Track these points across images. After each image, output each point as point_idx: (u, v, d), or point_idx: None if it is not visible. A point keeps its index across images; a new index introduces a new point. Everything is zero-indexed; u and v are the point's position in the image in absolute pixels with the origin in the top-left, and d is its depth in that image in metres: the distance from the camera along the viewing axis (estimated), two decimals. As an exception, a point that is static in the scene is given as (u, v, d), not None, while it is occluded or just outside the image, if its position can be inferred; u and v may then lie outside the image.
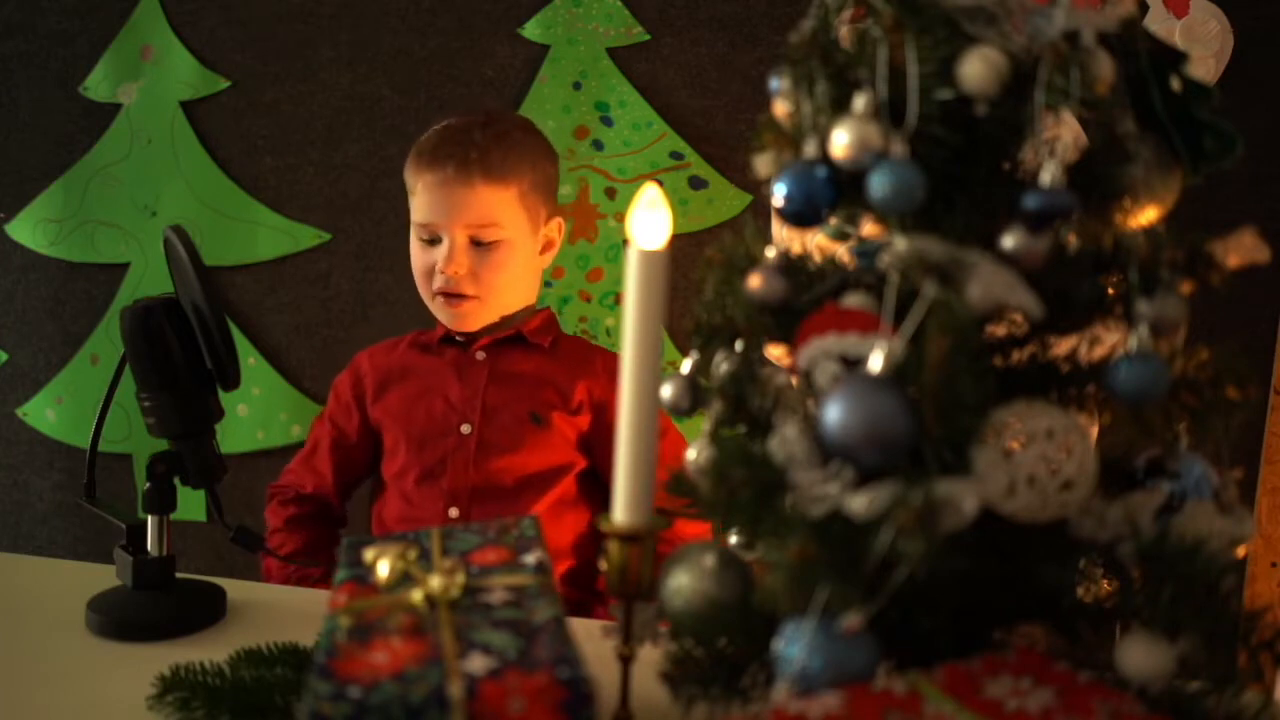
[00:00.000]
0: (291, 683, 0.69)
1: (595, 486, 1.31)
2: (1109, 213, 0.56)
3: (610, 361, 1.31)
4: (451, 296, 1.28)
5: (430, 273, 1.29)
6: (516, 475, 1.26)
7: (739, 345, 0.62)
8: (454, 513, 1.25)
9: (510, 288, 1.31)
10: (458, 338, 1.33)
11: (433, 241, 1.28)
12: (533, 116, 1.95)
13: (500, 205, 1.27)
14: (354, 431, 1.35)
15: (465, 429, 1.28)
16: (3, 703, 0.73)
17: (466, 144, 1.26)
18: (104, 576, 0.91)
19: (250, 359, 2.07)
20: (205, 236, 2.07)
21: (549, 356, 1.32)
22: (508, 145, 1.28)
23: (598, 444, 1.30)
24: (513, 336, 1.32)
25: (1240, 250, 0.54)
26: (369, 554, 0.62)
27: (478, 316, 1.30)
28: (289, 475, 1.38)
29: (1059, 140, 0.53)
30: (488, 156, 1.26)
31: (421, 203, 1.28)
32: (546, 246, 1.35)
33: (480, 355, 1.31)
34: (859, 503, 0.48)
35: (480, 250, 1.27)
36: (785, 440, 0.52)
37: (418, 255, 1.31)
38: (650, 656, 0.61)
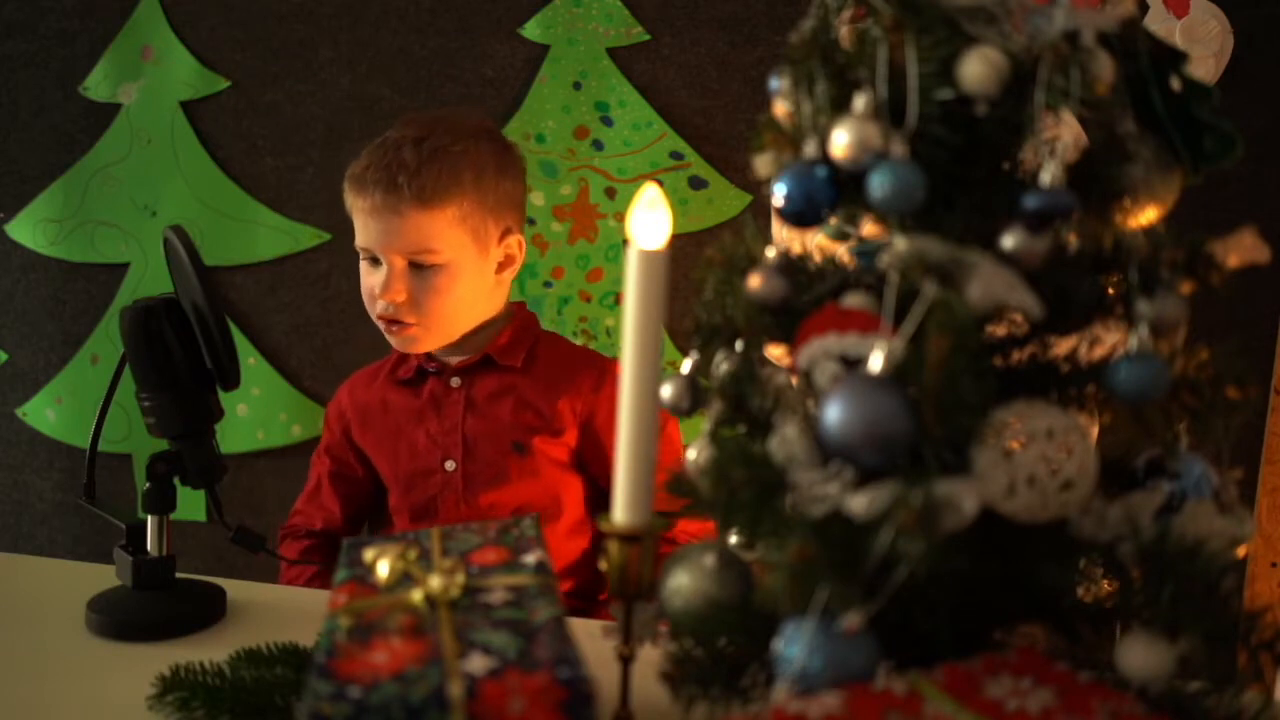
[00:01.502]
0: (291, 683, 0.69)
1: (599, 500, 1.27)
2: (1109, 213, 0.56)
3: (591, 368, 1.26)
4: (393, 323, 1.21)
5: (371, 297, 1.23)
6: (510, 509, 1.22)
7: (739, 345, 0.62)
8: None
9: (456, 312, 1.22)
10: (429, 368, 1.27)
11: (376, 262, 1.22)
12: (533, 116, 1.96)
13: (435, 229, 1.18)
14: (355, 463, 1.32)
15: (449, 465, 1.23)
16: (3, 703, 0.73)
17: (394, 166, 1.17)
18: (104, 576, 0.91)
19: (250, 359, 2.08)
20: (205, 236, 2.07)
21: (524, 375, 1.25)
22: (441, 163, 1.18)
23: (591, 456, 1.25)
24: (483, 360, 1.25)
25: (1240, 250, 0.54)
26: (369, 554, 0.62)
27: (423, 342, 1.23)
28: (297, 516, 1.36)
29: (1059, 140, 0.53)
30: (417, 179, 1.16)
31: (358, 227, 1.22)
32: (505, 264, 1.26)
33: (455, 382, 1.25)
34: (859, 503, 0.48)
35: (420, 274, 1.19)
36: (785, 440, 0.52)
37: (363, 277, 1.24)
38: (650, 656, 0.61)
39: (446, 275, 1.19)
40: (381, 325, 1.23)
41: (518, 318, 1.30)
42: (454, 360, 1.27)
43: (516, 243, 1.27)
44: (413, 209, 1.17)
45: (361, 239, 1.22)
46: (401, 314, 1.20)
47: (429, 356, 1.28)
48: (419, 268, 1.19)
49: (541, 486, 1.24)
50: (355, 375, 1.37)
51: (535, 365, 1.27)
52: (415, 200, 1.16)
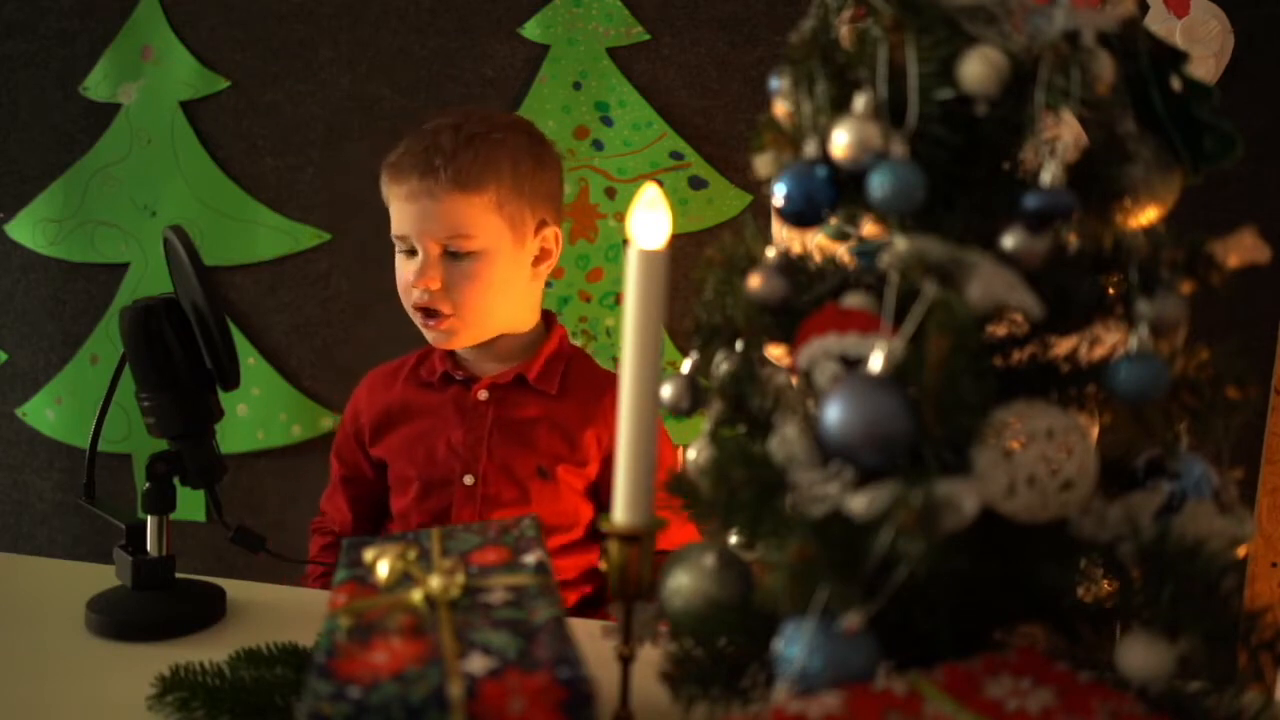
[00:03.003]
0: (291, 683, 0.69)
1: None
2: (1109, 213, 0.56)
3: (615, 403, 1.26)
4: (429, 314, 1.20)
5: (405, 288, 1.21)
6: None
7: (739, 345, 0.62)
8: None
9: (493, 304, 1.21)
10: (457, 375, 1.25)
11: (411, 253, 1.20)
12: (533, 116, 1.95)
13: (471, 214, 1.17)
14: (367, 468, 1.31)
15: (468, 480, 1.21)
16: (3, 703, 0.73)
17: (432, 151, 1.17)
18: (104, 576, 0.91)
19: (250, 359, 2.08)
20: (205, 236, 2.07)
21: (557, 400, 1.24)
22: (479, 149, 1.18)
23: (606, 491, 1.23)
24: (515, 379, 1.23)
25: (1240, 250, 0.54)
26: (369, 554, 0.62)
27: (459, 336, 1.22)
28: (323, 509, 1.36)
29: (1059, 140, 0.53)
30: (454, 162, 1.16)
31: (394, 214, 1.20)
32: (541, 257, 1.25)
33: (483, 395, 1.23)
34: (859, 503, 0.48)
35: (455, 263, 1.18)
36: (785, 440, 0.52)
37: (399, 268, 1.22)
38: (650, 656, 0.61)
39: (482, 263, 1.18)
40: (418, 318, 1.22)
41: (554, 336, 1.28)
42: (485, 371, 1.25)
43: (553, 235, 1.26)
44: (449, 193, 1.16)
45: (397, 226, 1.20)
46: (437, 302, 1.19)
47: (456, 364, 1.26)
48: (454, 256, 1.18)
49: (558, 511, 1.22)
50: (373, 373, 1.34)
51: (568, 391, 1.25)
52: (452, 184, 1.16)
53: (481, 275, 1.19)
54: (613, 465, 1.19)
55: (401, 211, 1.19)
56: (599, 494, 1.25)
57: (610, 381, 1.28)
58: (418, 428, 1.25)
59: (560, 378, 1.25)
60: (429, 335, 1.23)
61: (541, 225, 1.24)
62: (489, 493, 1.21)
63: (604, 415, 1.23)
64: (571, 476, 1.22)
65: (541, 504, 1.21)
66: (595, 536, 1.26)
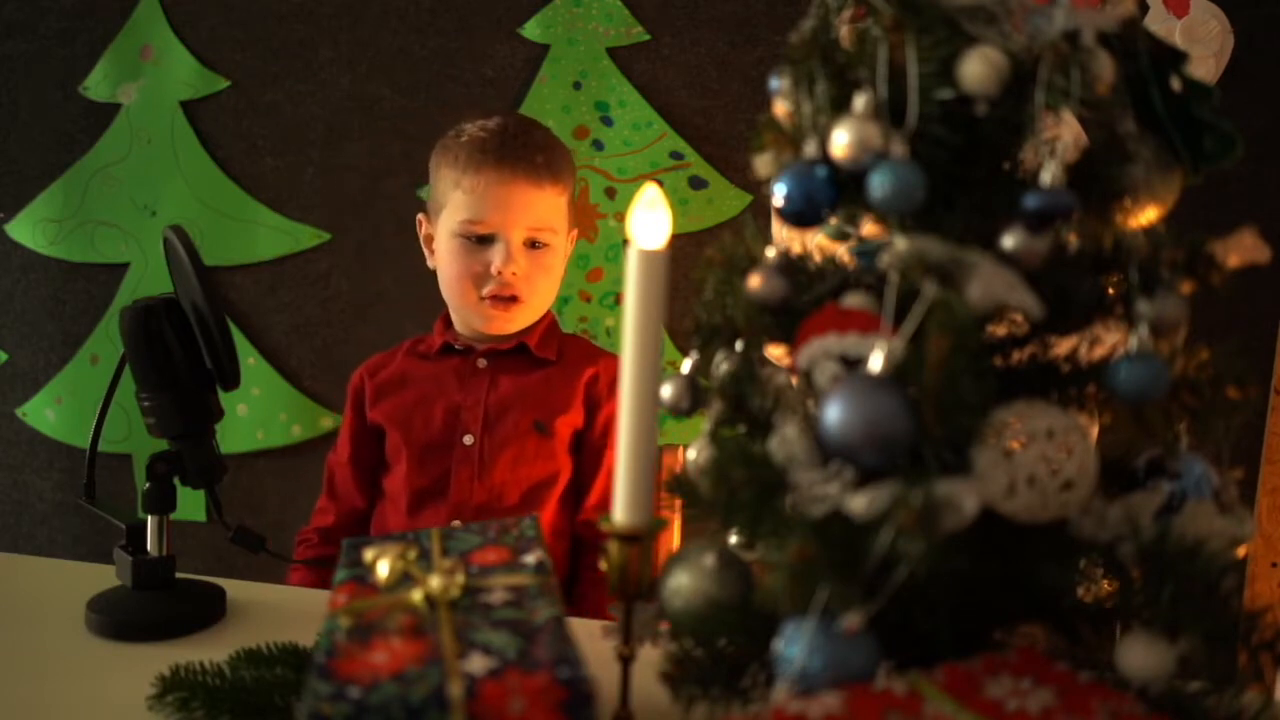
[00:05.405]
0: (291, 683, 0.69)
1: (570, 497, 1.30)
2: (1109, 213, 0.56)
3: (611, 365, 1.31)
4: (502, 300, 1.26)
5: (475, 275, 1.25)
6: (522, 488, 1.25)
7: (739, 345, 0.62)
8: (457, 524, 1.25)
9: (551, 292, 1.31)
10: (457, 345, 1.31)
11: (482, 243, 1.25)
12: (533, 116, 1.96)
13: (557, 209, 1.27)
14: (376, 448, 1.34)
15: (468, 440, 1.25)
16: (3, 703, 0.73)
17: (530, 146, 1.25)
18: (104, 576, 0.91)
19: (250, 359, 2.07)
20: (205, 236, 2.07)
21: (554, 366, 1.30)
22: (562, 150, 1.30)
23: (587, 443, 1.29)
24: (516, 347, 1.30)
25: (1240, 250, 0.54)
26: (369, 554, 0.62)
27: (520, 320, 1.29)
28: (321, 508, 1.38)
29: (1059, 140, 0.53)
30: (554, 159, 1.26)
31: (474, 201, 1.24)
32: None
33: (482, 363, 1.29)
34: (859, 503, 0.48)
35: (532, 253, 1.26)
36: (785, 440, 0.52)
37: (460, 257, 1.26)
38: (650, 656, 0.61)
39: (551, 255, 1.28)
40: (485, 306, 1.27)
41: (548, 317, 1.36)
42: (484, 344, 1.30)
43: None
44: (549, 185, 1.25)
45: (475, 213, 1.25)
46: (517, 288, 1.25)
47: (455, 335, 1.32)
48: (533, 246, 1.26)
49: (554, 468, 1.27)
50: (369, 360, 1.38)
51: (564, 356, 1.32)
52: (552, 178, 1.25)
53: (551, 266, 1.29)
54: (596, 416, 1.28)
55: (492, 199, 1.24)
56: (579, 448, 1.30)
57: (602, 353, 1.36)
58: (416, 394, 1.30)
59: (557, 346, 1.32)
60: (492, 318, 1.27)
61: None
62: (487, 450, 1.25)
63: (597, 363, 1.30)
64: (564, 428, 1.27)
65: (539, 461, 1.26)
66: (566, 508, 1.29)
